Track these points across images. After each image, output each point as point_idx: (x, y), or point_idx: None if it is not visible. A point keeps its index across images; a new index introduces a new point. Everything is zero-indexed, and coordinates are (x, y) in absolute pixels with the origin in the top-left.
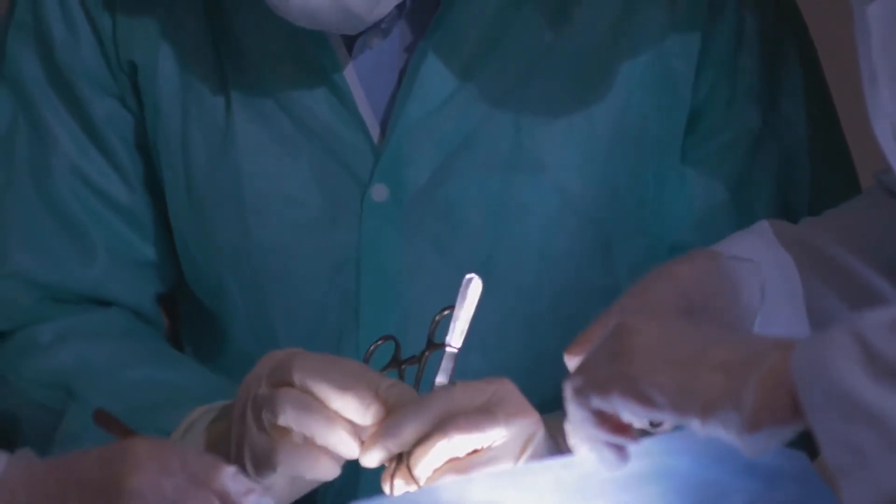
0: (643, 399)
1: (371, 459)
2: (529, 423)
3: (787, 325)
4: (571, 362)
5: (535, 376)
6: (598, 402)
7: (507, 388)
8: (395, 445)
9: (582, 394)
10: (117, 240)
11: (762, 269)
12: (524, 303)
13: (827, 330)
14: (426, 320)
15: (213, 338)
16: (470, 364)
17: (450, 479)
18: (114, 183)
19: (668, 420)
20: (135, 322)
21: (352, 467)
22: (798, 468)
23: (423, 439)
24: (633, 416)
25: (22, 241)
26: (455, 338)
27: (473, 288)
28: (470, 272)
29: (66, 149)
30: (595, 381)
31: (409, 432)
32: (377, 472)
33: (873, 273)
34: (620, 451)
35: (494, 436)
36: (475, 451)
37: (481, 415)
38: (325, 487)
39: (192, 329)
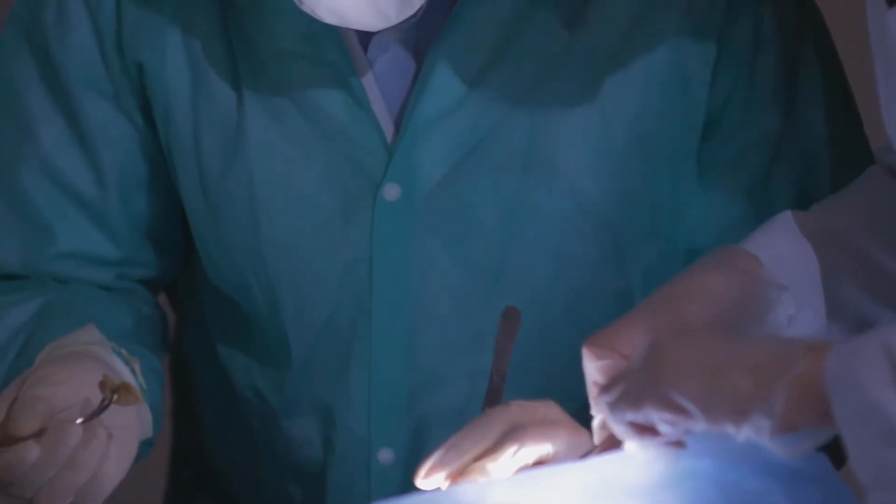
0: (675, 408)
1: (437, 482)
2: (586, 440)
3: (807, 318)
4: (591, 358)
5: (547, 378)
6: (632, 416)
7: (557, 408)
8: (461, 462)
9: (616, 408)
10: (80, 236)
11: (795, 294)
12: (537, 305)
13: (859, 339)
14: (438, 320)
15: (239, 325)
16: (482, 366)
17: (470, 482)
18: (87, 182)
19: (702, 428)
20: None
21: (362, 467)
22: (819, 470)
23: (490, 449)
24: (668, 425)
25: None
26: (500, 364)
27: (514, 319)
28: (484, 274)
29: (42, 141)
30: (628, 395)
31: (475, 445)
32: (386, 474)
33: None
34: (678, 444)
35: (559, 446)
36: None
37: (547, 424)
38: (334, 487)
39: (218, 316)
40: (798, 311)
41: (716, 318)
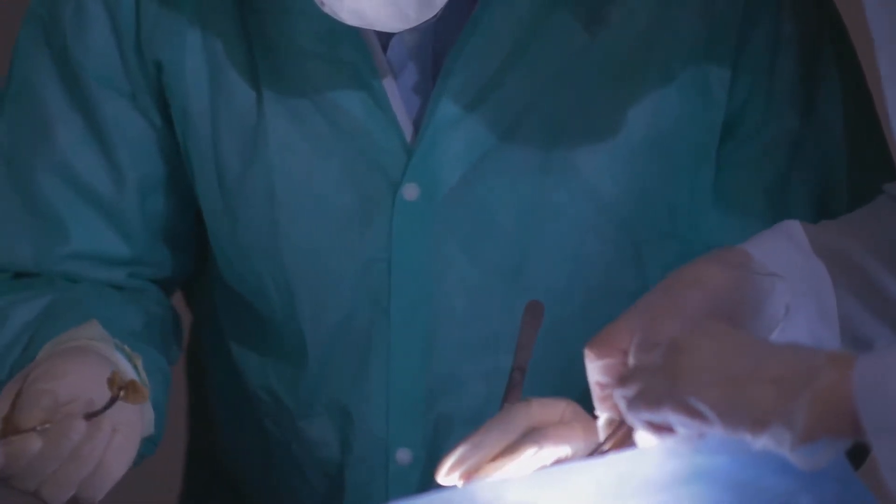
0: (694, 413)
1: (455, 480)
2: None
3: (811, 335)
4: (592, 359)
5: (564, 379)
6: (649, 416)
7: (576, 407)
8: (481, 459)
9: (633, 406)
10: (93, 236)
11: (790, 286)
12: (555, 305)
13: (887, 351)
14: (456, 320)
15: (253, 325)
16: (499, 366)
17: (485, 480)
18: (102, 181)
19: (718, 434)
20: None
21: (380, 468)
22: (836, 467)
23: (509, 449)
24: (686, 428)
25: None
26: (521, 359)
27: (537, 313)
28: (501, 275)
29: (59, 140)
30: (646, 396)
31: (496, 444)
32: (404, 474)
33: None
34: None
35: (577, 448)
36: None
37: (565, 426)
38: (351, 487)
39: (231, 315)
40: (801, 320)
41: (713, 308)
